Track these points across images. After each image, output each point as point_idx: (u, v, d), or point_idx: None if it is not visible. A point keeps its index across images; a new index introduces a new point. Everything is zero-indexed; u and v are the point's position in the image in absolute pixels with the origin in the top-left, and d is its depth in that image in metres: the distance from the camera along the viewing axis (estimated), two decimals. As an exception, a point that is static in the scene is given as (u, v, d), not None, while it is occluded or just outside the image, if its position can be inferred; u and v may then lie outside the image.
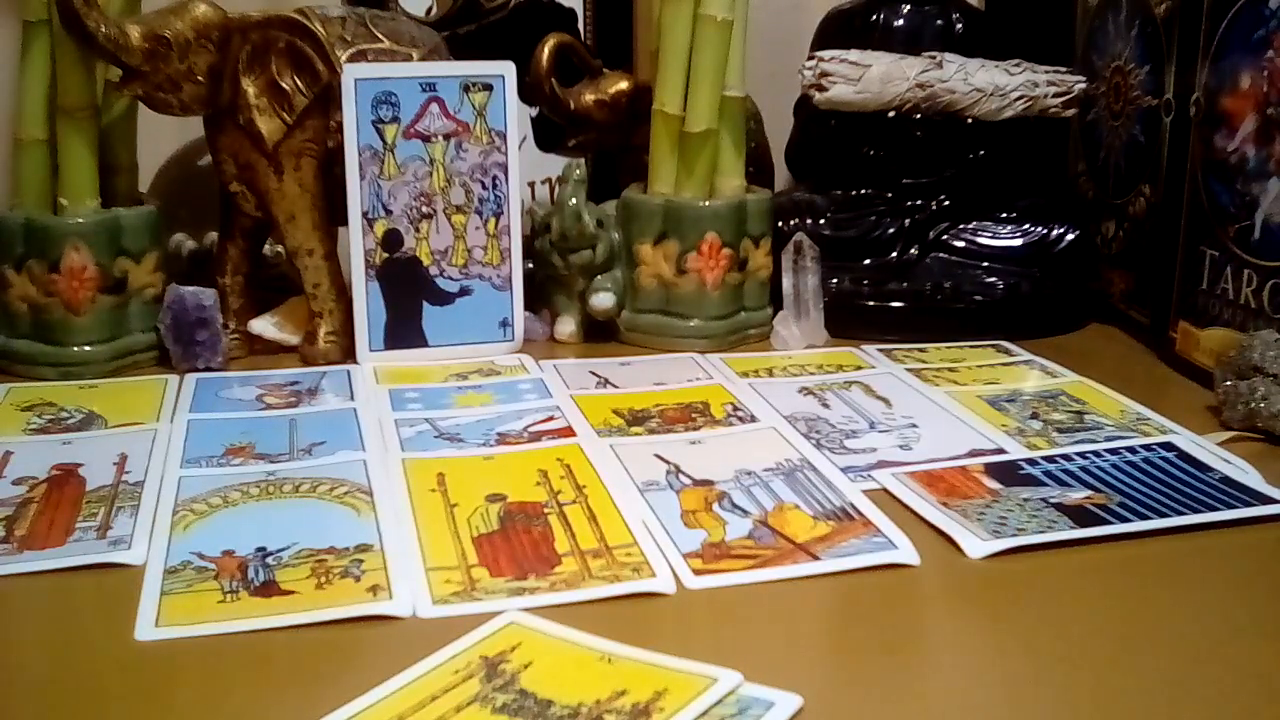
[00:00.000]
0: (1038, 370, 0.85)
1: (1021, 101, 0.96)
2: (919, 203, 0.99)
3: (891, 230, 0.98)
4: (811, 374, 0.84)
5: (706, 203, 0.90)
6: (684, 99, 0.88)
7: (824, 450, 0.69)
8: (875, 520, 0.60)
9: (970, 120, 0.97)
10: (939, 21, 1.02)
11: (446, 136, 0.85)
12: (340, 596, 0.52)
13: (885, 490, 0.64)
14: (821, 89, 0.94)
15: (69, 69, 0.81)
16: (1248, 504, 0.62)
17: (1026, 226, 0.99)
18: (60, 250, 0.81)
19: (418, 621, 0.51)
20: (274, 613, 0.51)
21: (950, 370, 0.85)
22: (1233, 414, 0.73)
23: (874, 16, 1.02)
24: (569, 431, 0.72)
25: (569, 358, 0.88)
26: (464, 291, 0.87)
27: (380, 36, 0.87)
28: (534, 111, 0.98)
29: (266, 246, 0.93)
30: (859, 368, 0.85)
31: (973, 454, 0.69)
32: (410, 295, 0.86)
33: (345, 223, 0.85)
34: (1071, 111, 0.99)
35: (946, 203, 0.99)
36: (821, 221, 0.98)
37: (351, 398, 0.78)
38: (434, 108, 0.85)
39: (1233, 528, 0.60)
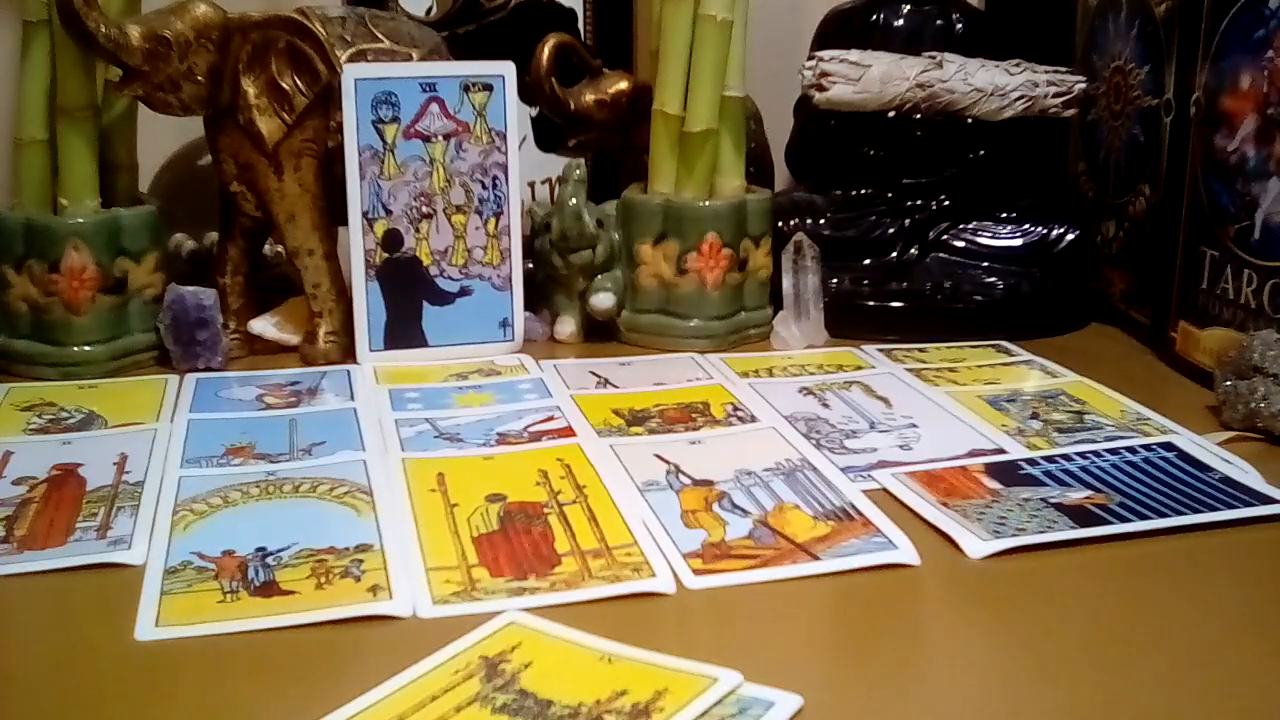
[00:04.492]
0: (1038, 370, 0.85)
1: (1021, 101, 0.96)
2: (919, 203, 0.99)
3: (891, 230, 0.98)
4: (811, 374, 0.84)
5: (706, 203, 0.90)
6: (684, 99, 0.88)
7: (824, 450, 0.69)
8: (875, 520, 0.60)
9: (970, 120, 0.97)
10: (939, 21, 1.02)
11: (446, 136, 0.85)
12: (340, 596, 0.52)
13: (885, 490, 0.64)
14: (821, 89, 0.94)
15: (69, 69, 0.81)
16: (1248, 504, 0.62)
17: (1026, 226, 0.99)
18: (60, 250, 0.81)
19: (418, 621, 0.51)
20: (274, 613, 0.51)
21: (950, 370, 0.85)
22: (1233, 414, 0.73)
23: (874, 16, 1.02)
24: (569, 431, 0.72)
25: (569, 358, 0.88)
26: (464, 291, 0.87)
27: (380, 36, 0.87)
28: (534, 111, 0.98)
29: (266, 246, 0.93)
30: (859, 368, 0.85)
31: (973, 454, 0.69)
32: (410, 295, 0.86)
33: (345, 223, 0.85)
34: (1071, 111, 0.99)
35: (946, 203, 0.99)
36: (821, 221, 0.98)
37: (351, 398, 0.78)
38: (434, 108, 0.85)
39: (1233, 528, 0.60)
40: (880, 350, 0.89)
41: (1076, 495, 0.63)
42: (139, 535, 0.57)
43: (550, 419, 0.74)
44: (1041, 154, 1.05)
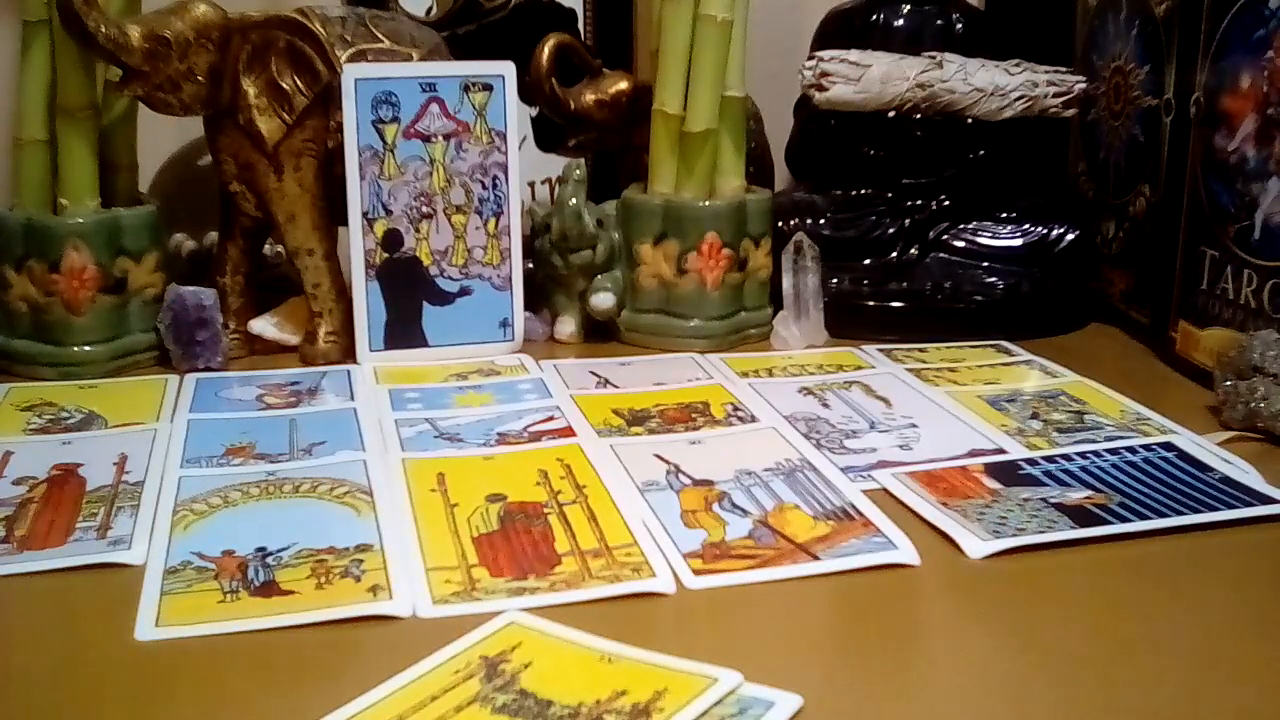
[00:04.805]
0: (1038, 370, 0.85)
1: (1021, 101, 0.96)
2: (919, 203, 0.99)
3: (891, 230, 0.98)
4: (811, 374, 0.84)
5: (706, 203, 0.90)
6: (684, 99, 0.88)
7: (824, 450, 0.69)
8: (875, 520, 0.60)
9: (970, 120, 0.97)
10: (939, 21, 1.02)
11: (446, 136, 0.85)
12: (340, 596, 0.52)
13: (885, 490, 0.64)
14: (821, 89, 0.94)
15: (69, 69, 0.81)
16: (1248, 504, 0.62)
17: (1026, 226, 0.99)
18: (60, 250, 0.81)
19: (418, 621, 0.51)
20: (274, 613, 0.51)
21: (950, 370, 0.85)
22: (1233, 414, 0.73)
23: (874, 16, 1.02)
24: (569, 431, 0.72)
25: (569, 358, 0.88)
26: (464, 291, 0.87)
27: (380, 36, 0.87)
28: (534, 111, 0.98)
29: (266, 246, 0.93)
30: (859, 368, 0.85)
31: (973, 454, 0.69)
32: (410, 295, 0.86)
33: (345, 223, 0.85)
34: (1071, 111, 0.99)
35: (946, 203, 0.99)
36: (821, 221, 0.98)
37: (351, 398, 0.78)
38: (434, 108, 0.85)
39: (1233, 528, 0.60)
40: (880, 350, 0.89)
41: (1076, 495, 0.63)
42: (139, 535, 0.57)
43: (550, 419, 0.74)
44: (1041, 154, 1.05)
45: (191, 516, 0.60)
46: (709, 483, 0.64)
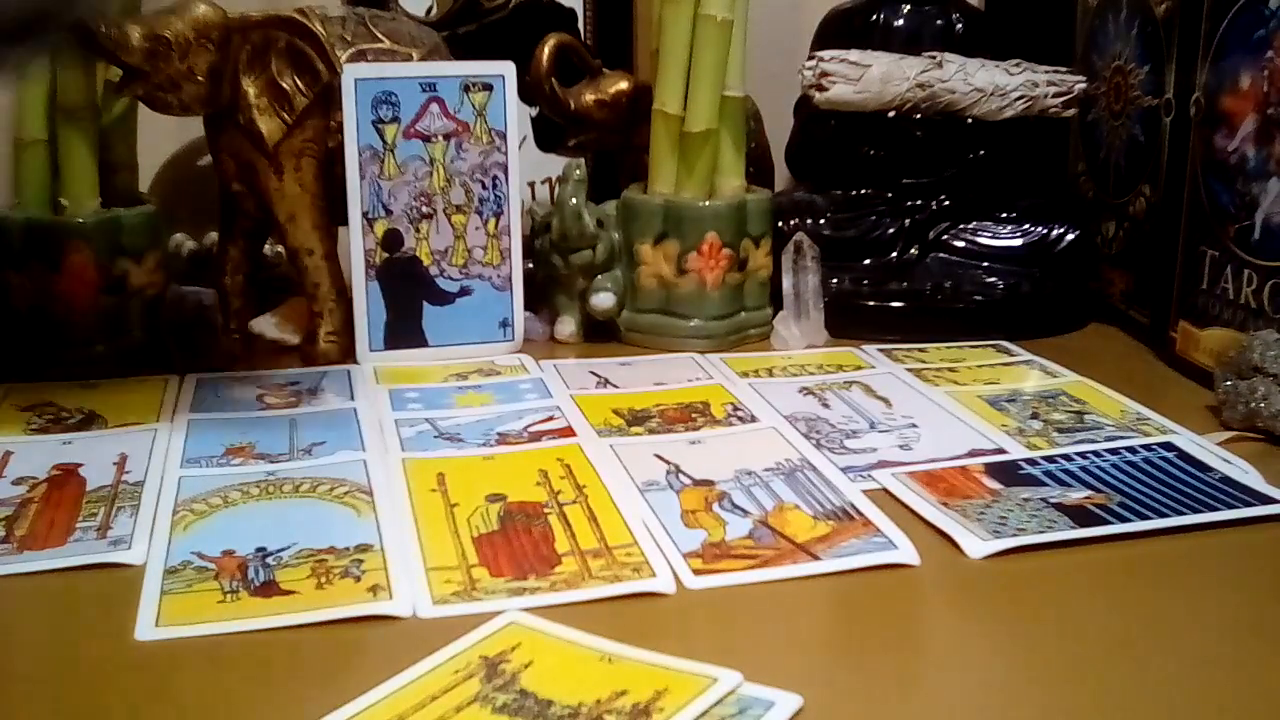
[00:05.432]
0: (1038, 370, 0.85)
1: (1021, 101, 0.96)
2: (919, 203, 0.99)
3: (891, 230, 0.98)
4: (811, 374, 0.84)
5: (706, 203, 0.90)
6: (684, 99, 0.88)
7: (824, 450, 0.69)
8: (875, 520, 0.60)
9: (970, 120, 0.97)
10: (939, 21, 1.02)
11: (446, 136, 0.85)
12: (340, 596, 0.52)
13: (885, 490, 0.64)
14: (821, 89, 0.94)
15: (69, 69, 0.81)
16: (1248, 504, 0.62)
17: (1026, 226, 0.99)
18: (60, 250, 0.81)
19: (418, 621, 0.51)
20: (274, 613, 0.51)
21: (950, 370, 0.85)
22: (1233, 414, 0.73)
23: (874, 16, 1.02)
24: (569, 431, 0.72)
25: (569, 358, 0.88)
26: (464, 291, 0.87)
27: (380, 36, 0.87)
28: (534, 111, 0.98)
29: (266, 246, 0.93)
30: (859, 368, 0.85)
31: (973, 454, 0.69)
32: (410, 295, 0.86)
33: (345, 223, 0.85)
34: (1071, 111, 0.99)
35: (946, 203, 0.99)
36: (821, 221, 0.98)
37: (351, 398, 0.78)
38: (434, 108, 0.85)
39: (1233, 528, 0.60)
40: (880, 350, 0.89)
41: (1076, 495, 0.63)
42: (139, 535, 0.57)
43: (550, 419, 0.74)
44: (1041, 154, 1.05)
45: (191, 516, 0.60)
46: (709, 483, 0.64)
